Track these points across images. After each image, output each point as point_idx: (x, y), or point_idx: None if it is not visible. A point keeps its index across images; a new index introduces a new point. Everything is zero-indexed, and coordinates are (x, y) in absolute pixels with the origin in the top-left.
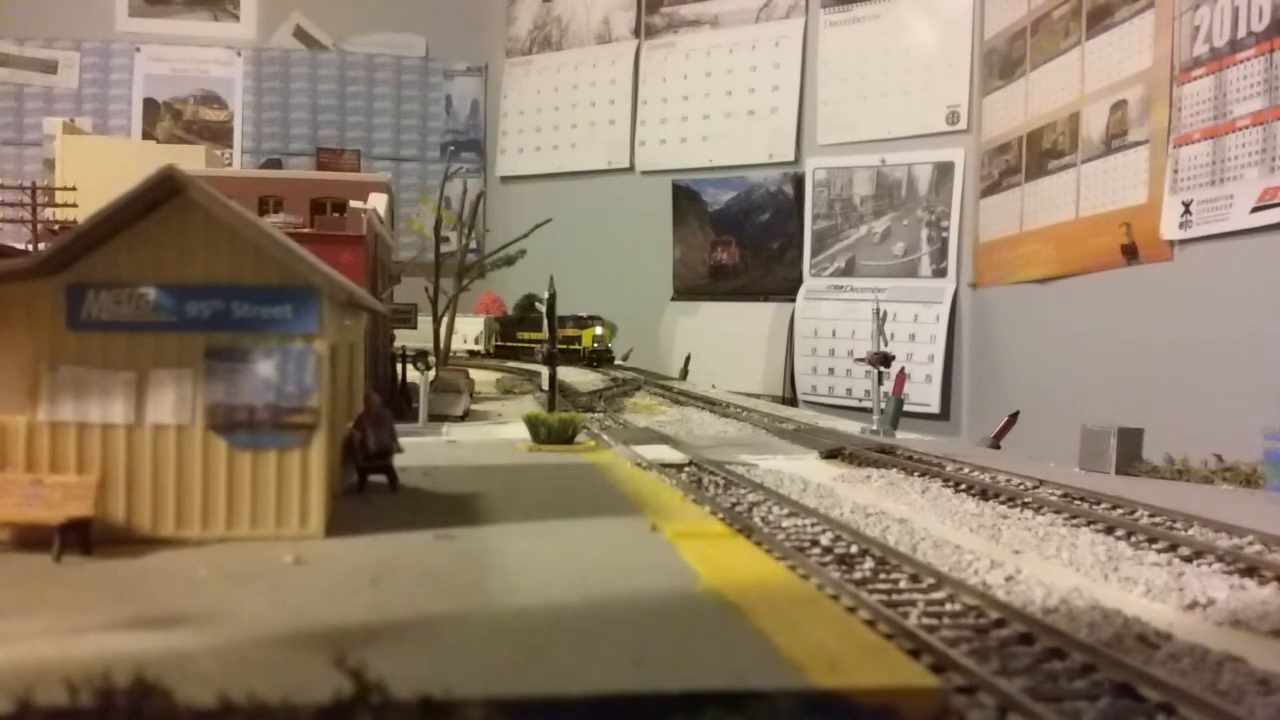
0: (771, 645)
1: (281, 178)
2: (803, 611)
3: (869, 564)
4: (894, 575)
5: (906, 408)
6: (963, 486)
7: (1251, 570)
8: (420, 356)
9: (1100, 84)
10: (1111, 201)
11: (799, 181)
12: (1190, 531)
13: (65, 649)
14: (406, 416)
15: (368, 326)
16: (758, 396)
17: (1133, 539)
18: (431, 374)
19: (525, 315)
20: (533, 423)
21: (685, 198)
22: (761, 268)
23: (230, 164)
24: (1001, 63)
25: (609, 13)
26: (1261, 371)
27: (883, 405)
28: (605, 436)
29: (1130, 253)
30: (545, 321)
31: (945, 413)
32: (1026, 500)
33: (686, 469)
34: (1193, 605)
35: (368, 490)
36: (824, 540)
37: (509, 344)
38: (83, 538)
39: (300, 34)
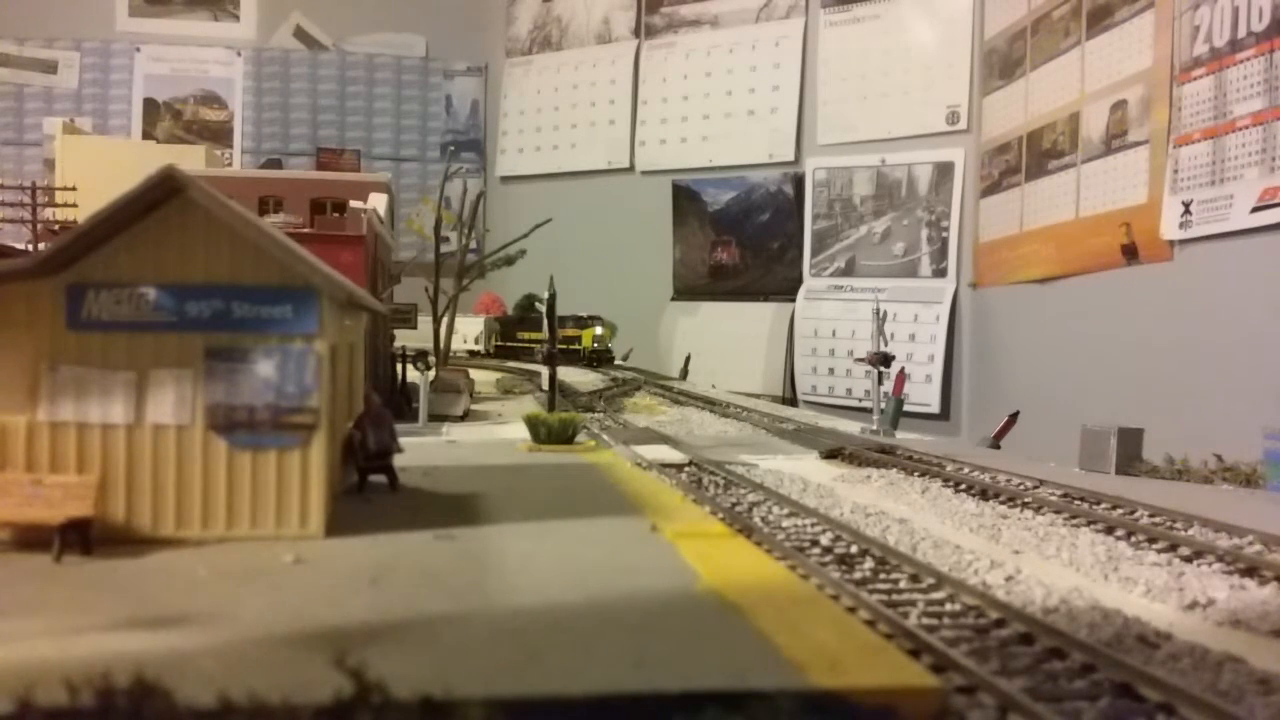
0: (771, 645)
1: (281, 178)
2: (803, 611)
3: (869, 564)
4: (894, 575)
5: (906, 408)
6: (963, 486)
7: (1251, 570)
8: (420, 356)
9: (1100, 84)
10: (1111, 201)
11: (799, 181)
12: (1190, 531)
13: (65, 649)
14: (406, 416)
15: (368, 326)
16: (758, 396)
17: (1133, 539)
18: (431, 374)
19: (525, 315)
20: (533, 423)
21: (685, 198)
22: (761, 268)
23: (230, 164)
24: (1001, 63)
25: (609, 13)
26: (1261, 371)
27: (883, 405)
28: (605, 436)
29: (1130, 253)
30: (545, 321)
31: (945, 413)
32: (1026, 500)
33: (686, 469)
34: (1193, 605)
35: (368, 490)
36: (824, 540)
37: (509, 344)
38: (83, 538)
39: (300, 34)
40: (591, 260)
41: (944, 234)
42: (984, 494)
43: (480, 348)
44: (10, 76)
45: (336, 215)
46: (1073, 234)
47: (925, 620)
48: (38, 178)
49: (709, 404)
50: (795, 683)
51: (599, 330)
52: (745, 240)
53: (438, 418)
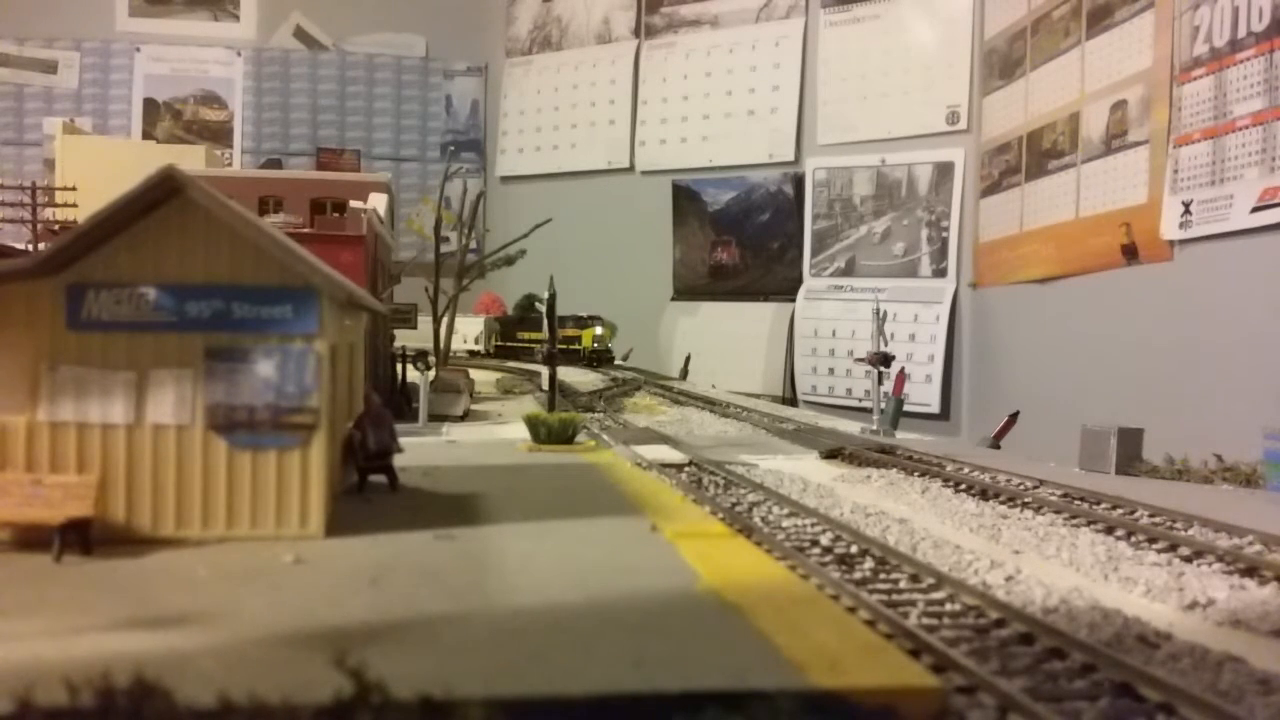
0: (771, 645)
1: (281, 178)
2: (803, 611)
3: (869, 564)
4: (894, 575)
5: (906, 408)
6: (963, 486)
7: (1251, 570)
8: (420, 356)
9: (1100, 84)
10: (1111, 201)
11: (799, 181)
12: (1190, 531)
13: (65, 649)
14: (406, 416)
15: (368, 326)
16: (758, 396)
17: (1133, 539)
18: (431, 374)
19: (525, 315)
20: (533, 423)
21: (685, 198)
22: (761, 268)
23: (230, 164)
24: (1001, 63)
25: (609, 13)
26: (1261, 371)
27: (883, 405)
28: (605, 436)
29: (1130, 253)
30: (545, 321)
31: (945, 413)
32: (1026, 500)
33: (686, 469)
34: (1193, 605)
35: (368, 490)
36: (824, 540)
37: (509, 344)
38: (83, 538)
39: (300, 34)
40: (591, 260)
41: (944, 234)
42: (984, 494)
43: (480, 348)
44: (10, 76)
45: (336, 215)
46: (1073, 234)
47: (925, 620)
48: (38, 178)
49: (709, 404)
50: (795, 683)
51: (599, 330)
52: (745, 240)
53: (438, 418)
